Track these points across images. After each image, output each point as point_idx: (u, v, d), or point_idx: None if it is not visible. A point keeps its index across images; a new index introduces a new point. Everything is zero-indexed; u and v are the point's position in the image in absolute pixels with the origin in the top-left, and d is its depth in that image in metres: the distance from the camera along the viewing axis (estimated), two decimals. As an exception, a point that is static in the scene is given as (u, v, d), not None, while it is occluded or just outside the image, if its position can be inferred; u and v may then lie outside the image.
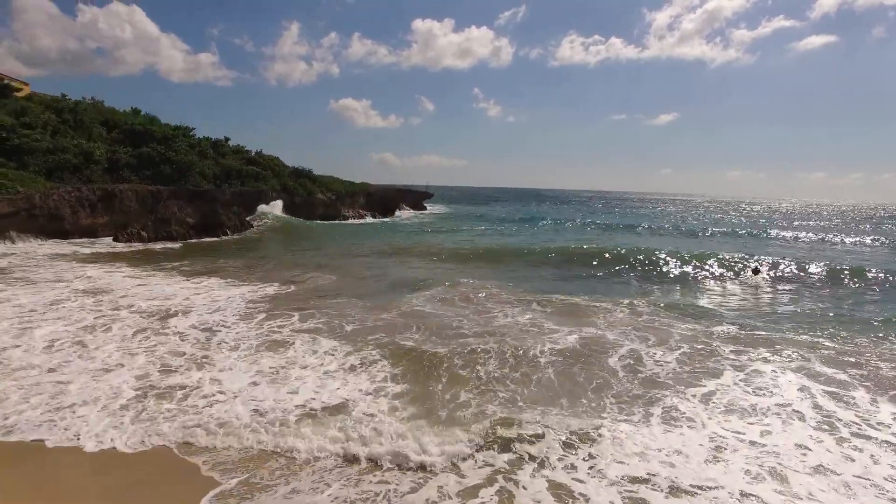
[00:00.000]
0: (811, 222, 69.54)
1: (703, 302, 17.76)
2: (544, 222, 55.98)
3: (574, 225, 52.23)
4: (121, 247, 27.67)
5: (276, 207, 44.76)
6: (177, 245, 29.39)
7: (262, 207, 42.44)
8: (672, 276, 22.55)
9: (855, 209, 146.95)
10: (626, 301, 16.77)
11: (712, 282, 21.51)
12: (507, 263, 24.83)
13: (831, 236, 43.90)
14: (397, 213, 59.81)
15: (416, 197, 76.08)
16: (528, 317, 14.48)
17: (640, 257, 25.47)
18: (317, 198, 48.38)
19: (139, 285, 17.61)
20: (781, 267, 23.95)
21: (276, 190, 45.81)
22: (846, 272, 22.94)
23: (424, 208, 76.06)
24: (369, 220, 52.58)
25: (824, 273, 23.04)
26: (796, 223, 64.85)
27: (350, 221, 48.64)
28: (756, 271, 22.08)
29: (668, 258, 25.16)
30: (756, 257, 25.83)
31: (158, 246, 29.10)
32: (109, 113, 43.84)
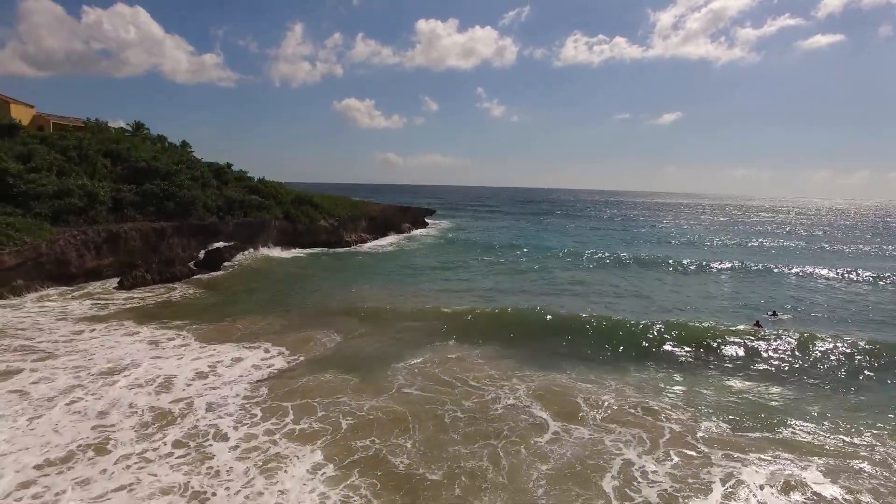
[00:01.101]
0: (824, 247, 61.95)
1: (700, 387, 17.00)
2: (553, 252, 49.01)
3: (583, 259, 44.64)
4: (124, 295, 27.97)
5: (273, 235, 45.25)
6: (180, 288, 29.73)
7: (263, 250, 42.98)
8: (676, 357, 20.15)
9: (859, 213, 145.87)
10: (623, 387, 16.98)
11: (711, 357, 20.03)
12: (505, 333, 22.17)
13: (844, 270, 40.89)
14: (399, 234, 60.01)
15: (417, 214, 76.42)
16: (523, 418, 14.43)
17: (642, 329, 22.17)
18: (319, 225, 48.72)
19: (153, 357, 17.95)
20: (786, 325, 23.63)
21: (278, 218, 46.18)
22: (862, 349, 20.29)
23: (426, 224, 76.37)
24: (369, 244, 52.82)
25: (829, 342, 20.94)
26: (805, 251, 62.59)
27: (351, 249, 48.88)
28: (758, 324, 22.23)
29: (682, 334, 21.67)
30: (766, 314, 25.58)
31: (162, 289, 29.53)
32: (113, 140, 44.31)
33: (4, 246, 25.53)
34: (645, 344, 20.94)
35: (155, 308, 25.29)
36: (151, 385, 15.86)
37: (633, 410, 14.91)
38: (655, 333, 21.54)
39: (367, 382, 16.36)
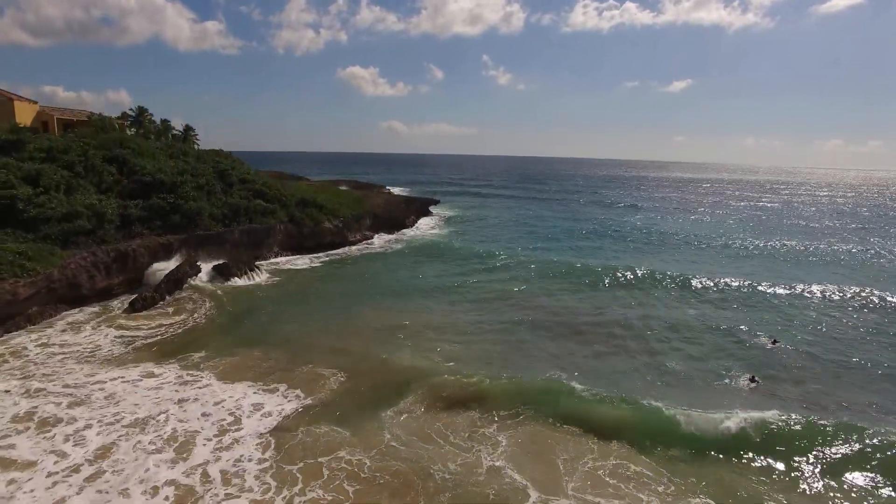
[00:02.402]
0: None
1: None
2: (556, 267, 42.26)
3: (586, 283, 38.29)
4: (141, 323, 28.73)
5: (279, 239, 45.80)
6: (190, 308, 30.45)
7: (268, 260, 43.58)
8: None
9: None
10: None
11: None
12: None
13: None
14: (403, 230, 60.29)
15: (421, 204, 76.56)
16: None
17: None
18: (324, 227, 49.13)
19: (178, 403, 18.88)
20: (783, 376, 22.92)
21: (283, 222, 46.63)
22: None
23: (430, 213, 76.58)
24: (374, 243, 53.25)
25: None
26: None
27: (354, 251, 49.33)
28: (753, 380, 22.43)
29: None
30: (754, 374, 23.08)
31: (172, 310, 30.32)
32: (117, 141, 44.40)
33: (19, 278, 26.25)
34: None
35: (172, 340, 26.00)
36: (174, 445, 16.81)
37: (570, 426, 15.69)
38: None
39: (359, 437, 17.45)
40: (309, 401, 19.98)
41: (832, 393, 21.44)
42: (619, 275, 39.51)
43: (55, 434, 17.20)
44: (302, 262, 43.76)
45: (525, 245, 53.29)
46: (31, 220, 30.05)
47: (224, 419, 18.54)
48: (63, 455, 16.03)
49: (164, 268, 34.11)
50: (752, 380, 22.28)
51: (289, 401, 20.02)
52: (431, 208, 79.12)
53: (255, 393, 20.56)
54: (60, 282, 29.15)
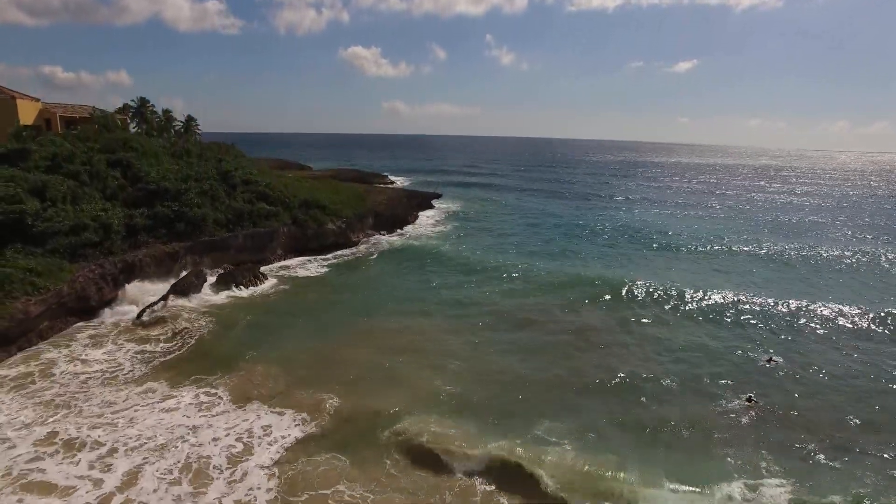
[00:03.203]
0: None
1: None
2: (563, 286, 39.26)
3: (587, 302, 36.01)
4: (153, 341, 29.33)
5: (283, 242, 46.27)
6: (198, 323, 31.02)
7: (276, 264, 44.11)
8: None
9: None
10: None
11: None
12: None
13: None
14: (406, 227, 60.54)
15: (423, 198, 76.69)
16: None
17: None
18: (327, 228, 49.50)
19: (192, 429, 19.67)
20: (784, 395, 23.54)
21: (286, 224, 47.00)
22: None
23: (433, 206, 76.87)
24: (376, 242, 53.63)
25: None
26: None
27: (356, 254, 49.75)
28: (750, 400, 23.03)
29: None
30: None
31: (179, 323, 30.90)
32: (119, 142, 44.75)
33: (30, 296, 26.83)
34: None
35: (183, 357, 26.75)
36: (188, 473, 17.65)
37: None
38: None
39: (360, 469, 18.25)
40: (312, 427, 20.64)
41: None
42: (636, 291, 37.26)
43: (79, 459, 18.17)
44: (304, 269, 43.94)
45: (528, 250, 51.80)
46: (39, 234, 30.50)
47: (234, 446, 19.34)
48: (96, 483, 17.00)
49: (138, 290, 33.87)
50: (749, 400, 22.92)
51: (296, 424, 20.77)
52: (434, 202, 79.23)
53: (260, 417, 21.27)
54: (70, 296, 29.74)
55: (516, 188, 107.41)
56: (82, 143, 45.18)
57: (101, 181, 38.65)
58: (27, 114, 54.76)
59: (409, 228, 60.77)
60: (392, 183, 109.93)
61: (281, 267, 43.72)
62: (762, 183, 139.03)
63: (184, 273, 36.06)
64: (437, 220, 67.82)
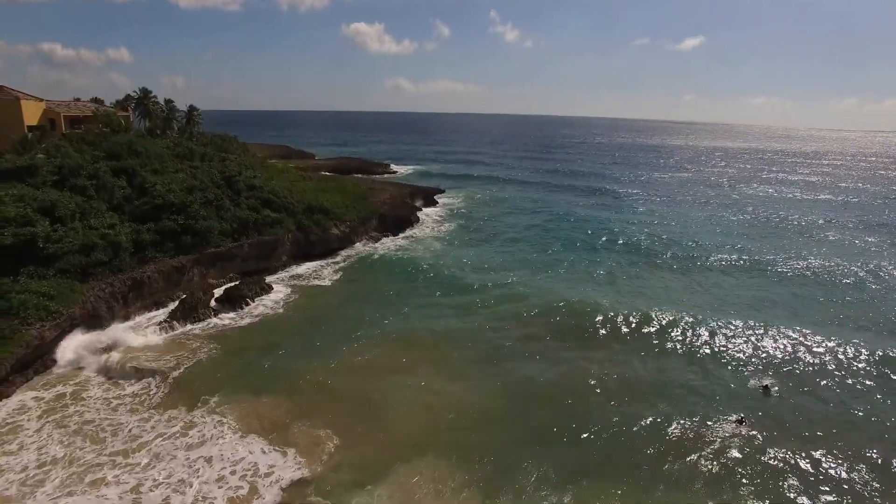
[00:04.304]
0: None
1: None
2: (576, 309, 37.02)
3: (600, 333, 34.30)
4: (162, 358, 30.15)
5: (287, 248, 46.84)
6: (205, 339, 31.75)
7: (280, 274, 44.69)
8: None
9: None
10: None
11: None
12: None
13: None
14: (408, 230, 60.68)
15: (426, 194, 76.81)
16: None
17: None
18: (331, 233, 49.98)
19: (193, 467, 20.64)
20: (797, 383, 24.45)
21: (291, 231, 47.43)
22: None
23: (436, 203, 76.99)
24: (380, 245, 54.10)
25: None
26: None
27: (362, 251, 50.26)
28: (766, 389, 23.74)
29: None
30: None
31: (193, 341, 31.68)
32: (123, 146, 45.06)
33: (45, 322, 27.58)
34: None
35: (192, 377, 27.72)
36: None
37: None
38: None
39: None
40: (306, 471, 21.25)
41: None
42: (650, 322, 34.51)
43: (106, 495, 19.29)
44: (310, 278, 44.42)
45: (529, 260, 50.78)
46: (50, 255, 31.10)
47: (241, 486, 20.34)
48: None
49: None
50: (765, 389, 23.69)
51: (296, 468, 21.40)
52: (437, 197, 79.26)
53: (263, 453, 22.13)
54: (82, 317, 30.52)
55: (519, 180, 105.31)
56: (88, 147, 45.57)
57: (108, 192, 39.06)
58: (31, 114, 54.85)
59: (412, 232, 60.43)
60: (394, 173, 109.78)
61: (287, 276, 44.22)
62: (769, 175, 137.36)
63: (182, 297, 36.00)
64: (440, 218, 68.04)
